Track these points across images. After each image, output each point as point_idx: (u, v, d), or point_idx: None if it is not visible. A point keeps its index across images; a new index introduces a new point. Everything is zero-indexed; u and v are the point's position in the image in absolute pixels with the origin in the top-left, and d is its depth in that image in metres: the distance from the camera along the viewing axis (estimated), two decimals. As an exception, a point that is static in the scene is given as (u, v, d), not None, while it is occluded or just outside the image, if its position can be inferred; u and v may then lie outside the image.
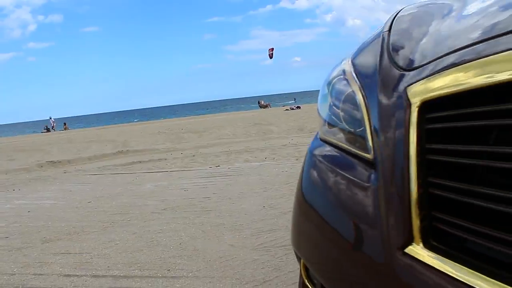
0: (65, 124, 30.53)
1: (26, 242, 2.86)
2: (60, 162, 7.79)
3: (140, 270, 2.19)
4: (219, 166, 5.57)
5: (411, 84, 0.66)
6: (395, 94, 0.69)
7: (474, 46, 0.59)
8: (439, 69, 0.62)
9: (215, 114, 28.63)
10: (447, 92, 0.58)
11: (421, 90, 0.63)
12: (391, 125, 0.68)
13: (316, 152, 0.97)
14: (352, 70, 0.93)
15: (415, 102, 0.63)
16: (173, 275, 2.08)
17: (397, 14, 1.04)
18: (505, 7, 0.63)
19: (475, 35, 0.61)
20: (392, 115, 0.68)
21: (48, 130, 28.03)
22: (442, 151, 0.58)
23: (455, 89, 0.57)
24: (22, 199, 4.44)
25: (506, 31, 0.55)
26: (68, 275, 2.19)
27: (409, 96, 0.64)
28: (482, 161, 0.53)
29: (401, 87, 0.68)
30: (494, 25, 0.60)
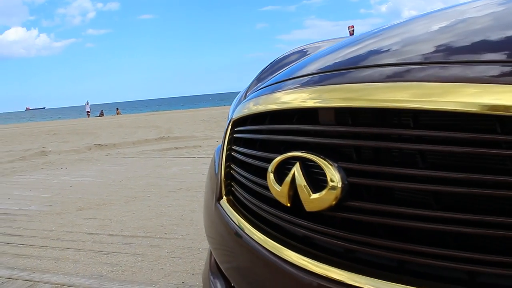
0: (117, 109, 32.21)
1: (65, 209, 3.56)
2: (106, 145, 8.64)
3: (144, 232, 2.80)
4: (240, 154, 6.12)
5: (235, 108, 1.16)
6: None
7: (281, 83, 1.06)
8: (244, 101, 1.11)
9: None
10: (242, 115, 1.08)
11: (235, 113, 1.12)
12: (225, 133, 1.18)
13: (217, 149, 1.49)
14: (244, 92, 1.44)
15: (231, 120, 1.13)
16: (168, 237, 2.67)
17: (289, 51, 1.52)
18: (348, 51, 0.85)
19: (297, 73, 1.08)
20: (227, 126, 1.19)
21: (102, 114, 29.68)
22: (235, 151, 1.08)
23: (245, 114, 1.06)
24: (67, 176, 5.23)
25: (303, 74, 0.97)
26: (91, 233, 2.84)
27: (233, 116, 1.14)
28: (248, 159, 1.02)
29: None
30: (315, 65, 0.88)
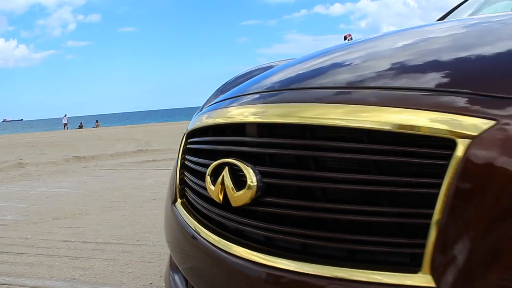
0: (97, 121, 32.02)
1: (41, 218, 3.66)
2: (84, 157, 8.67)
3: (117, 239, 2.93)
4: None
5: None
6: (191, 128, 1.37)
7: (230, 99, 1.23)
8: (199, 114, 1.29)
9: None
10: (194, 128, 1.24)
11: (190, 125, 1.29)
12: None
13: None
14: (202, 106, 1.61)
15: (186, 132, 1.30)
16: (139, 243, 2.82)
17: (255, 66, 1.69)
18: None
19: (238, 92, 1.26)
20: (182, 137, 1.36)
21: (81, 126, 29.46)
22: (188, 160, 1.25)
23: (197, 126, 1.23)
24: (44, 187, 5.30)
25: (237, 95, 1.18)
26: (66, 241, 2.96)
27: (188, 128, 1.31)
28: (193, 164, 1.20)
29: (191, 123, 1.36)
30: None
